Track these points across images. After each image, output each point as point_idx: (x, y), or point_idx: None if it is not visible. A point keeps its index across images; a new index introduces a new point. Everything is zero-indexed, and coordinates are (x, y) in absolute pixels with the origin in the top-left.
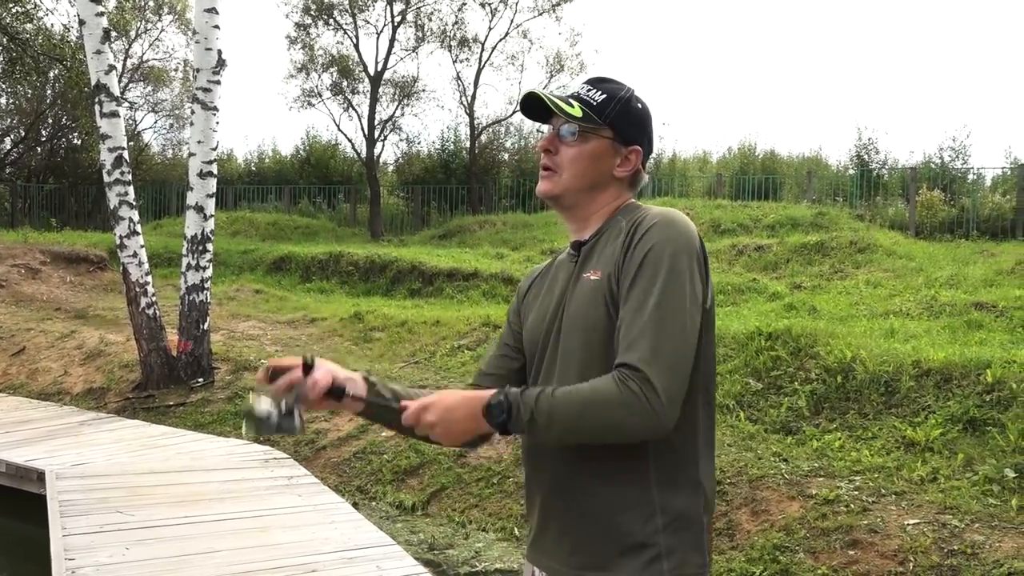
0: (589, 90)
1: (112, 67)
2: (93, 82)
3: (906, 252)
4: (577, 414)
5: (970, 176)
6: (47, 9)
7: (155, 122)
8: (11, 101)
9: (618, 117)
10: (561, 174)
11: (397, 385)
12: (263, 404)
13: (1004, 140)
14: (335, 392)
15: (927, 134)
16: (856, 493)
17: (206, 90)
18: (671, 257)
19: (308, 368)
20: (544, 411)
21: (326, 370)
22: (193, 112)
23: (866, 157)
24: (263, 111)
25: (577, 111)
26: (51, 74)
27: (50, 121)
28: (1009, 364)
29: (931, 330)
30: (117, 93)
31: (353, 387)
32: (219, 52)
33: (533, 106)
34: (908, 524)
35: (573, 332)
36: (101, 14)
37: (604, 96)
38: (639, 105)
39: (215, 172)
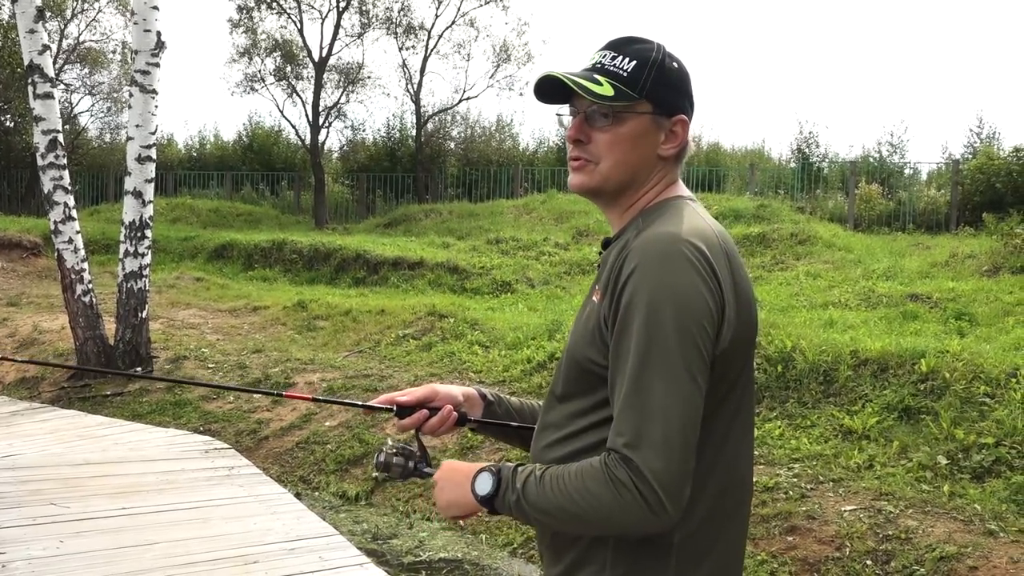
0: (614, 57)
1: (46, 47)
2: (26, 62)
3: (845, 244)
4: (565, 511)
5: (907, 171)
6: None
7: (92, 105)
8: None
9: (655, 85)
10: (599, 163)
11: (513, 399)
12: (395, 453)
13: (940, 136)
14: (459, 421)
15: (866, 129)
16: (795, 480)
17: (145, 72)
18: (650, 313)
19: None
20: (533, 502)
21: (447, 397)
22: (131, 95)
23: (807, 151)
24: (204, 95)
25: (607, 89)
26: None
27: None
28: (942, 354)
29: (868, 321)
30: (51, 74)
31: (471, 411)
32: (158, 34)
33: (548, 88)
34: (845, 510)
35: (566, 356)
36: None
37: (634, 63)
38: (675, 64)
39: (154, 157)
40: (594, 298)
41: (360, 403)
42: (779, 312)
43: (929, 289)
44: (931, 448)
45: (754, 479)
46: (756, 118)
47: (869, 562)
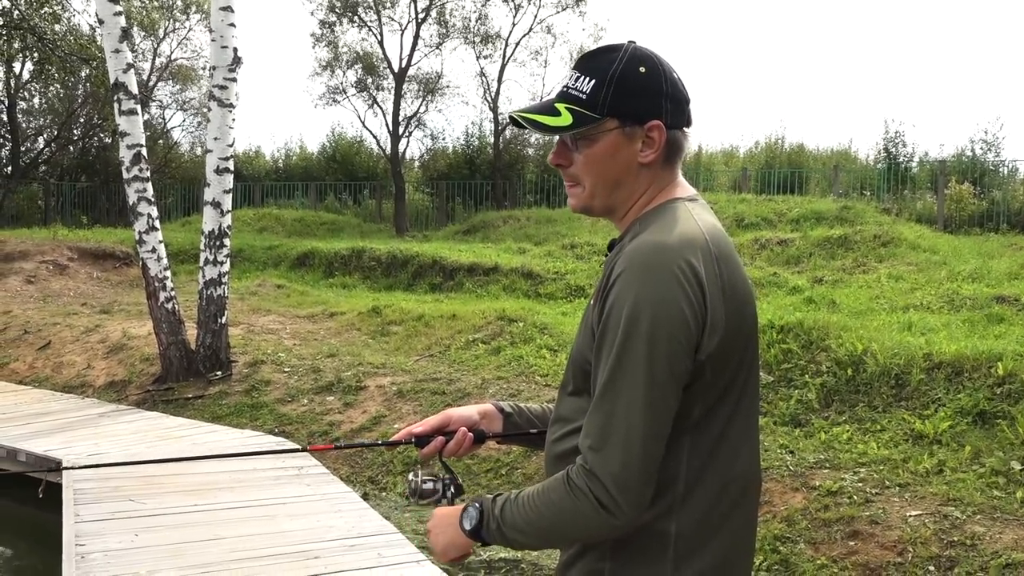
0: (577, 79)
1: (130, 66)
2: (112, 80)
3: (930, 246)
4: (534, 526)
5: (1003, 169)
6: (75, 10)
7: (183, 120)
8: (43, 101)
9: (616, 99)
10: (583, 185)
11: (534, 405)
12: (423, 480)
13: None
14: (477, 439)
15: (958, 126)
16: (860, 485)
17: (222, 87)
18: (627, 321)
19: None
20: (509, 523)
21: (461, 419)
22: (210, 110)
23: (894, 150)
24: (290, 108)
25: (566, 118)
26: (82, 74)
27: (82, 120)
28: (1021, 357)
29: (950, 324)
30: (136, 91)
31: (490, 427)
32: (235, 50)
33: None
34: (910, 516)
35: (571, 354)
36: (119, 13)
37: (592, 83)
38: (641, 69)
39: (231, 168)
40: (591, 301)
41: (380, 442)
42: (855, 315)
43: (1018, 291)
44: (1005, 453)
45: (817, 483)
46: (842, 118)
47: (932, 568)
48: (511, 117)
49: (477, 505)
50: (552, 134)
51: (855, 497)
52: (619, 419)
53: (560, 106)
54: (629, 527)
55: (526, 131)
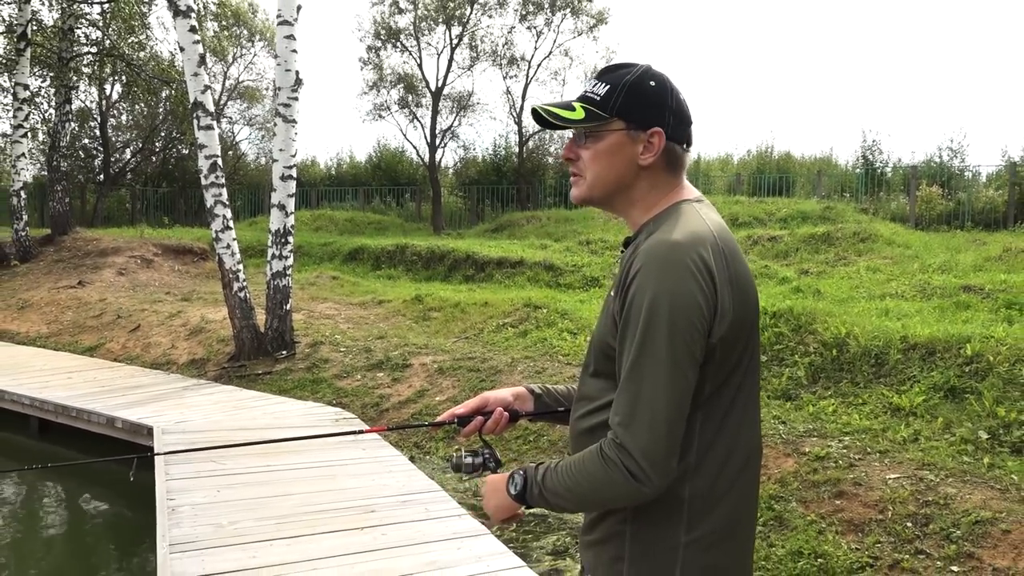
0: (595, 84)
1: (207, 87)
2: (191, 100)
3: (904, 241)
4: (572, 492)
5: (967, 173)
6: (157, 38)
7: (250, 134)
8: (130, 118)
9: (626, 104)
10: (585, 177)
11: (560, 386)
12: (464, 456)
13: (1000, 139)
14: (512, 418)
15: (928, 135)
16: (845, 451)
17: (286, 105)
18: (649, 310)
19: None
20: (550, 488)
21: (497, 401)
22: (275, 125)
23: (871, 157)
24: (341, 123)
25: (579, 113)
26: (163, 94)
27: (163, 134)
28: (987, 339)
29: (922, 310)
30: (212, 109)
31: (523, 407)
32: (296, 73)
33: (543, 119)
34: (889, 478)
35: (593, 339)
36: (197, 42)
37: (607, 87)
38: (652, 83)
39: (294, 175)
40: (611, 292)
41: (427, 423)
42: (838, 303)
43: (982, 281)
44: (973, 424)
45: (807, 449)
46: (824, 129)
47: (909, 524)
48: (534, 109)
49: (521, 472)
50: (566, 125)
51: (840, 462)
52: (645, 397)
53: (577, 104)
54: (657, 495)
55: (546, 138)
